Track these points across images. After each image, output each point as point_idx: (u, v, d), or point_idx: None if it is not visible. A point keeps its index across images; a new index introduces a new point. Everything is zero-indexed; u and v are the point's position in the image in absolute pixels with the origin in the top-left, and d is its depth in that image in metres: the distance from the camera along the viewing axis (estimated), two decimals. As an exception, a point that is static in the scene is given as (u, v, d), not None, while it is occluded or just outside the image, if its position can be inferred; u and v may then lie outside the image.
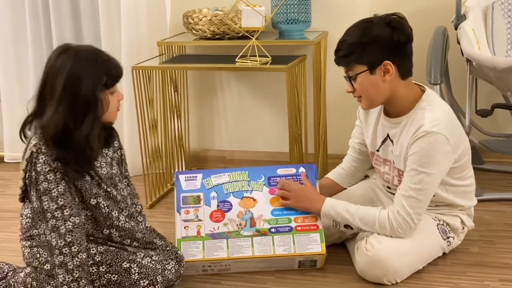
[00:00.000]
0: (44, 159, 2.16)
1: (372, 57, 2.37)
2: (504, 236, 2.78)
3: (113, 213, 2.31)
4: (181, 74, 3.52)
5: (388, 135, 2.50)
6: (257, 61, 3.06)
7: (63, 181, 2.18)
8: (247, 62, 3.08)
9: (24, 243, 2.35)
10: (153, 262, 2.30)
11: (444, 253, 2.58)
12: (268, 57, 3.08)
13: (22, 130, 2.26)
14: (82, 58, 2.18)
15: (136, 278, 2.26)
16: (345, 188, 2.76)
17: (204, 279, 2.53)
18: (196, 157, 3.73)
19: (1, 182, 3.67)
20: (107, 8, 3.53)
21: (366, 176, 2.80)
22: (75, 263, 2.18)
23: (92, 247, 2.28)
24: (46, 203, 2.17)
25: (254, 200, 2.61)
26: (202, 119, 3.73)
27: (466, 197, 2.57)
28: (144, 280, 2.26)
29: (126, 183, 2.49)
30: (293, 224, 2.54)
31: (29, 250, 2.33)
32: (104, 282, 2.26)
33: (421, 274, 2.48)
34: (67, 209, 2.19)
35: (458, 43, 3.01)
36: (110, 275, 2.26)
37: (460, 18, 3.05)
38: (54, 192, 2.17)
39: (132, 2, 3.42)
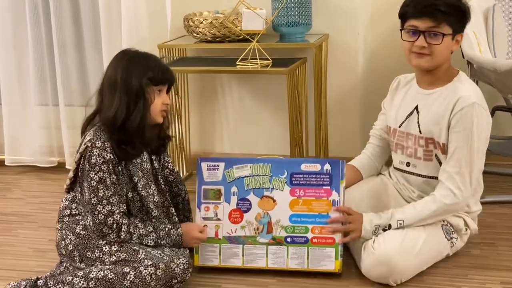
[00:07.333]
0: (98, 152, 2.38)
1: (460, 26, 2.47)
2: (506, 238, 2.78)
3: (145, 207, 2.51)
4: (181, 77, 3.52)
5: (416, 107, 2.55)
6: (257, 64, 3.06)
7: (114, 172, 2.41)
8: (248, 65, 3.08)
9: (57, 225, 2.51)
10: (162, 254, 2.41)
11: (447, 256, 2.58)
12: (269, 60, 3.08)
13: (85, 126, 2.49)
14: (135, 56, 2.47)
15: (142, 257, 2.38)
16: (361, 179, 2.75)
17: (204, 281, 2.53)
18: (197, 160, 3.71)
19: (2, 185, 3.66)
20: (107, 12, 3.53)
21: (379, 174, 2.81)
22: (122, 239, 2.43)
23: None
24: (101, 191, 2.39)
25: (274, 201, 2.59)
26: (203, 122, 3.73)
27: (471, 201, 2.57)
28: (149, 261, 2.37)
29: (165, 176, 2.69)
30: (309, 235, 2.52)
31: (60, 233, 2.48)
32: (114, 260, 2.40)
33: (423, 277, 2.48)
34: (116, 197, 2.41)
35: (459, 45, 3.01)
36: (119, 253, 2.40)
37: (461, 20, 3.05)
38: (108, 181, 2.39)
39: (133, 5, 3.42)
